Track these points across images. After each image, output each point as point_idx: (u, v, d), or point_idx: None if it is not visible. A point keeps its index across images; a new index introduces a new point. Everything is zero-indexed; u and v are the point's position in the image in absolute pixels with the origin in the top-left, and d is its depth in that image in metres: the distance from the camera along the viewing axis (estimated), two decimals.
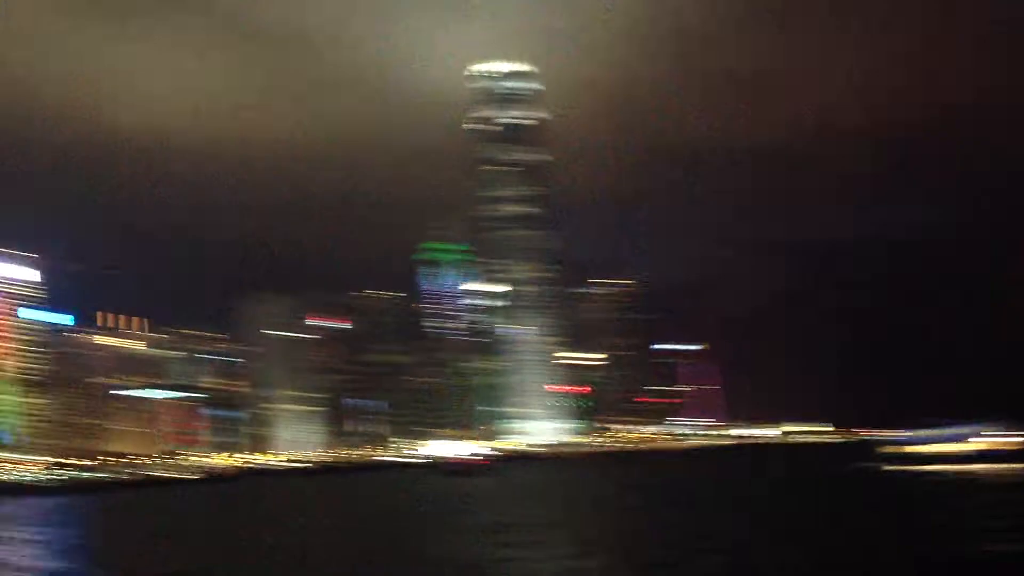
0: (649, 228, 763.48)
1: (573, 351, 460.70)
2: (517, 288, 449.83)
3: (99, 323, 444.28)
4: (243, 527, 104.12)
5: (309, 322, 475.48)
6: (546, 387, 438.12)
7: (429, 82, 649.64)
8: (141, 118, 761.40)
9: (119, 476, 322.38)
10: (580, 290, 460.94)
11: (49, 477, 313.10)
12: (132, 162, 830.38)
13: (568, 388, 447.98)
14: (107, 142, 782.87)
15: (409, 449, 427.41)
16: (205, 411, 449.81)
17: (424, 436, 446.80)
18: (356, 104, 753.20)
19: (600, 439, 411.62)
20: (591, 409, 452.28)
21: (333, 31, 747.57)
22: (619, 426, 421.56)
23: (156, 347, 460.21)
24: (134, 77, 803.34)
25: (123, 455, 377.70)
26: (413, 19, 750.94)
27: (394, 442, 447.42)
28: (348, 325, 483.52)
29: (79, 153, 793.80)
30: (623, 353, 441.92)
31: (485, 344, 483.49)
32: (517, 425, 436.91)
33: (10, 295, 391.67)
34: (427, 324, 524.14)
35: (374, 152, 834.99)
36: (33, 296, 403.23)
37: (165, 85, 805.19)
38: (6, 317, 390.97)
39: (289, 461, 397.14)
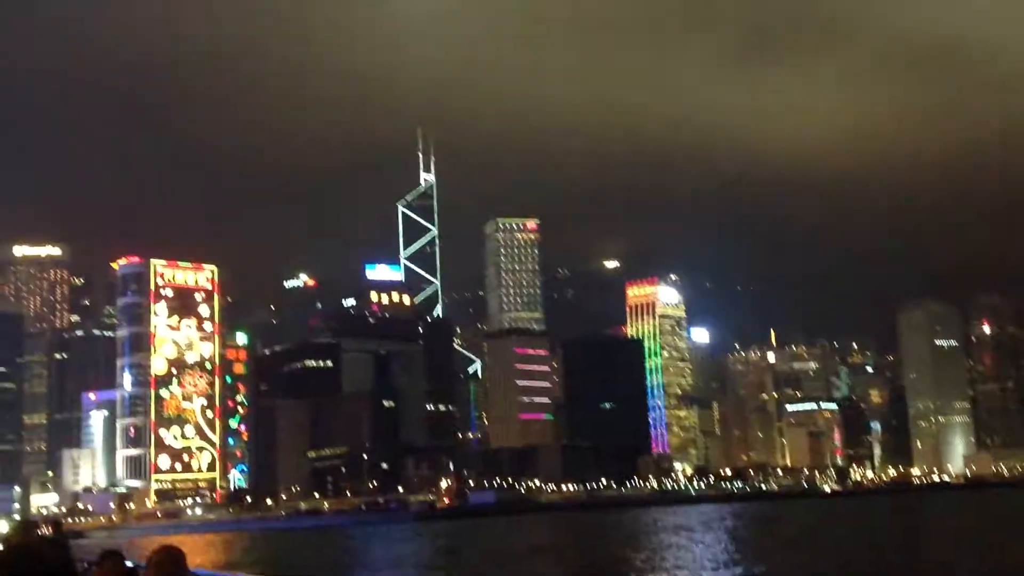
0: None
1: None
2: None
3: (745, 341, 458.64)
4: None
5: (979, 328, 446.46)
6: None
7: None
8: (782, 148, 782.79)
9: (784, 488, 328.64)
10: None
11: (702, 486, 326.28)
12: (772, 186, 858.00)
13: None
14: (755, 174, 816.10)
15: None
16: (872, 424, 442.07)
17: None
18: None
19: None
20: None
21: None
22: None
23: (816, 361, 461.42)
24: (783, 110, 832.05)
25: (790, 468, 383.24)
26: None
27: None
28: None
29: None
30: None
31: None
32: None
33: (666, 316, 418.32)
34: None
35: None
36: (683, 316, 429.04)
37: (813, 116, 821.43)
38: (671, 336, 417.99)
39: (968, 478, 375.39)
